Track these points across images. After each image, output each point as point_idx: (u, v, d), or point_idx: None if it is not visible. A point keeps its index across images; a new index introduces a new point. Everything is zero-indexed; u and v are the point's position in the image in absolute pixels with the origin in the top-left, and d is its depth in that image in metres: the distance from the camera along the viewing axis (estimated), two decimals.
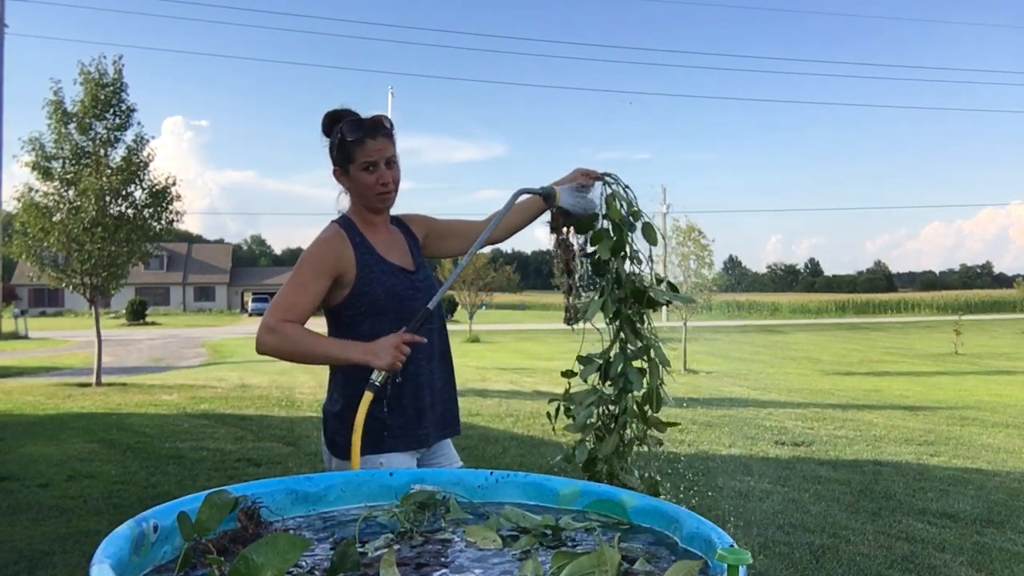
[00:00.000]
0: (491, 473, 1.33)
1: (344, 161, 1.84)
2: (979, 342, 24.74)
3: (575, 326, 1.94)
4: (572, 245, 1.97)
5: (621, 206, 1.87)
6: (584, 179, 1.96)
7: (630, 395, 1.81)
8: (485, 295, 27.05)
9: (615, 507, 1.23)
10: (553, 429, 1.90)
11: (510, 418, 7.93)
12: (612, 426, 1.83)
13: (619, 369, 1.81)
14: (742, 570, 0.84)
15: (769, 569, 3.43)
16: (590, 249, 1.91)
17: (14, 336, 24.65)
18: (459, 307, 26.82)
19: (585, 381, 1.85)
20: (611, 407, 1.83)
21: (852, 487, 5.08)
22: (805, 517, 4.30)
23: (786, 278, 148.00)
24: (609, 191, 1.89)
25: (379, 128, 1.81)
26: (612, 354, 1.83)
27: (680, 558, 1.02)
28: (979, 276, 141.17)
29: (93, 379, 10.96)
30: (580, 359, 1.87)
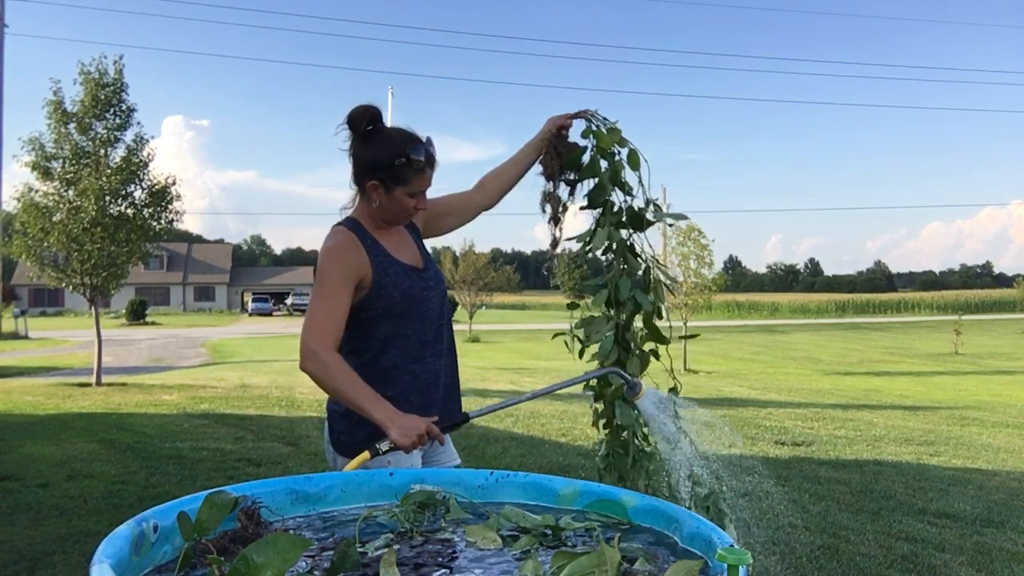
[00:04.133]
0: (491, 473, 1.33)
1: (393, 181, 1.78)
2: (979, 342, 24.74)
3: (554, 282, 2.09)
4: (560, 197, 2.01)
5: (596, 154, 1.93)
6: (564, 120, 2.01)
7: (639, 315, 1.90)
8: (485, 295, 27.06)
9: (615, 507, 1.23)
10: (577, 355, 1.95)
11: (510, 418, 7.93)
12: (632, 347, 1.90)
13: (628, 291, 1.87)
14: (742, 570, 0.84)
15: (769, 569, 3.43)
16: (585, 188, 1.97)
17: (14, 336, 24.63)
18: (459, 307, 26.83)
19: (600, 306, 1.90)
20: (625, 332, 1.90)
21: (852, 487, 5.08)
22: (805, 517, 4.30)
23: (786, 278, 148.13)
24: (592, 127, 1.96)
25: (434, 160, 1.83)
26: (618, 280, 1.88)
27: (680, 558, 1.02)
28: (979, 276, 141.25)
29: (93, 379, 10.95)
30: (586, 286, 1.93)
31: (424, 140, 1.81)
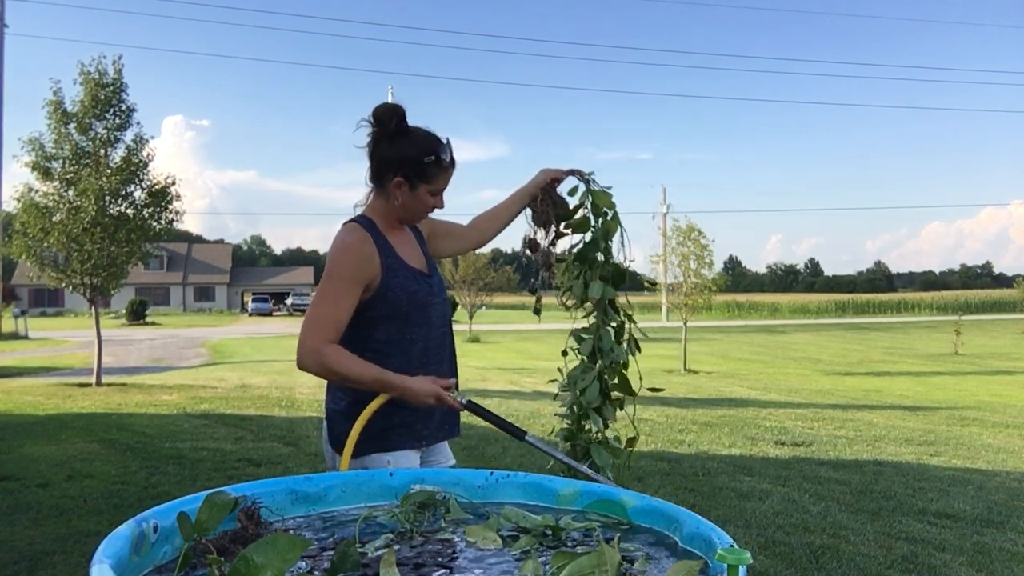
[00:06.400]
0: (491, 473, 1.33)
1: (419, 178, 1.81)
2: (979, 342, 24.73)
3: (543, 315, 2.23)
4: (545, 245, 2.17)
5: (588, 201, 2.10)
6: (557, 174, 2.12)
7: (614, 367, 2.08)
8: (485, 295, 27.07)
9: (615, 507, 1.23)
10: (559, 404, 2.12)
11: (510, 418, 7.90)
12: (609, 395, 2.06)
13: (609, 345, 2.04)
14: (742, 570, 0.84)
15: (769, 569, 3.43)
16: (576, 237, 2.13)
17: (14, 336, 24.62)
18: (459, 307, 26.82)
19: (584, 356, 2.05)
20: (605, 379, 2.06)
21: (852, 487, 5.08)
22: (805, 517, 4.30)
23: (786, 278, 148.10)
24: (588, 186, 2.09)
25: (455, 161, 1.86)
26: (600, 331, 2.05)
27: (680, 558, 1.02)
28: (979, 276, 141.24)
29: (93, 379, 10.95)
30: (574, 335, 2.09)
31: (446, 141, 1.85)
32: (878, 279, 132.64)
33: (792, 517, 4.29)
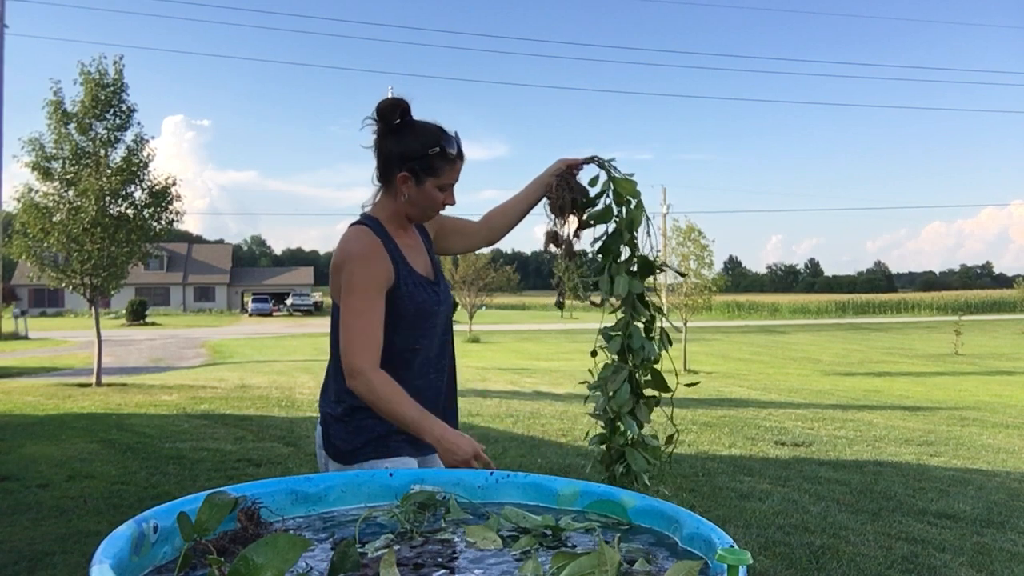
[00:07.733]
0: (491, 473, 1.33)
1: (425, 172, 1.73)
2: (979, 342, 24.74)
3: (564, 312, 2.10)
4: (568, 237, 2.03)
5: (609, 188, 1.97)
6: (574, 161, 1.99)
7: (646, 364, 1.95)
8: (485, 295, 27.09)
9: (615, 507, 1.23)
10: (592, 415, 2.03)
11: (510, 418, 7.93)
12: (642, 394, 1.97)
13: (639, 342, 1.92)
14: (742, 570, 0.84)
15: (769, 569, 3.43)
16: (598, 230, 1.99)
17: (14, 336, 24.62)
18: (459, 307, 26.82)
19: (613, 354, 1.95)
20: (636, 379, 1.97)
21: (852, 487, 5.08)
22: (805, 517, 4.30)
23: (786, 278, 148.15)
24: (609, 173, 1.96)
25: (463, 155, 1.79)
26: (629, 328, 1.93)
27: (680, 558, 1.02)
28: (979, 276, 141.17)
29: (93, 379, 10.95)
30: (603, 333, 1.97)
31: (454, 134, 1.78)
32: (878, 279, 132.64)
33: (792, 517, 4.29)
